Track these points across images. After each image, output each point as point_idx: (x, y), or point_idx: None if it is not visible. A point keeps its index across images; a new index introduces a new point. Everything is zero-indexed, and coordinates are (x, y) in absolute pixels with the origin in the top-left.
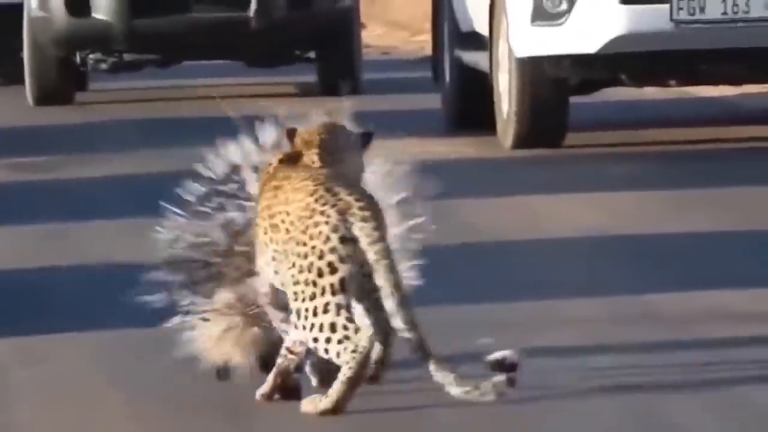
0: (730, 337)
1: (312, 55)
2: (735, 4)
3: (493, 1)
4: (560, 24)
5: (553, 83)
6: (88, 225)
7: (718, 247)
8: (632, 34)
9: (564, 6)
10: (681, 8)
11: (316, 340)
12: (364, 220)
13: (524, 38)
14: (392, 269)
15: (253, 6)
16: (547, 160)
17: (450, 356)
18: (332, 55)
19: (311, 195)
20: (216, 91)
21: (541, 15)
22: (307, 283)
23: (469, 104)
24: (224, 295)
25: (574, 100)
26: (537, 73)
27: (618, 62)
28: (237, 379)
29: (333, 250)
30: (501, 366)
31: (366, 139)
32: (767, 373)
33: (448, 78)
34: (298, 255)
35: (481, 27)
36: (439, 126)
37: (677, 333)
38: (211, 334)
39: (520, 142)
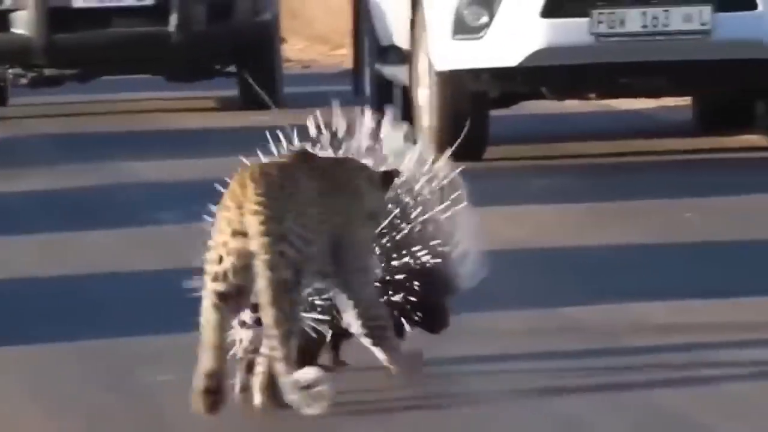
0: (646, 346)
1: (233, 69)
2: (654, 18)
3: (413, 15)
4: (480, 37)
5: (473, 97)
6: (8, 239)
7: (636, 258)
8: (552, 48)
9: (484, 19)
10: (601, 22)
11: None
12: (253, 213)
13: (444, 52)
14: (270, 265)
15: (173, 20)
16: (468, 174)
17: (360, 364)
18: (253, 69)
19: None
20: (136, 105)
21: (462, 28)
22: (206, 273)
23: None
24: None
25: (494, 113)
26: (457, 86)
27: (538, 75)
28: (168, 396)
29: (225, 243)
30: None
31: (388, 177)
32: (678, 378)
33: (368, 92)
34: (208, 248)
35: (401, 41)
36: None
37: (596, 343)
38: None
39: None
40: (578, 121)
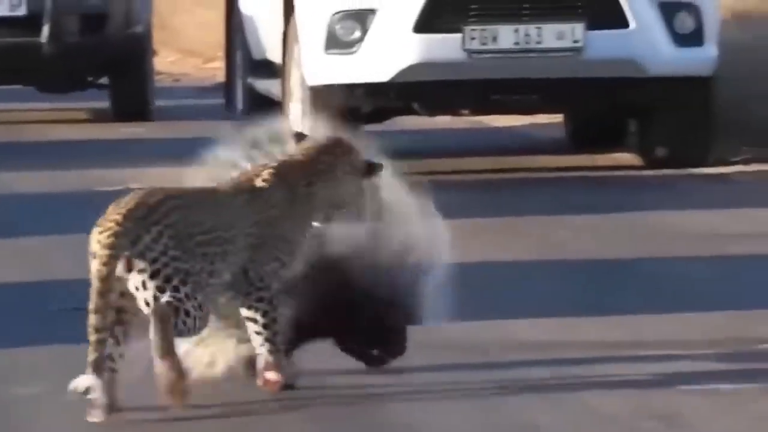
0: (517, 361)
1: (105, 81)
2: (527, 35)
3: (285, 29)
4: (353, 52)
5: (345, 111)
6: None
7: (508, 275)
8: (425, 63)
9: (357, 34)
10: (473, 38)
11: None
12: (99, 233)
13: (317, 66)
14: (96, 289)
15: (46, 31)
16: None
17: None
18: (125, 81)
19: None
20: (7, 116)
21: (334, 43)
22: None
23: None
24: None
25: (366, 128)
26: (329, 101)
27: (411, 91)
28: (30, 410)
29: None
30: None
31: (371, 168)
32: (547, 395)
33: (240, 106)
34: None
35: (274, 55)
36: None
37: (468, 358)
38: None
39: None
40: (451, 137)
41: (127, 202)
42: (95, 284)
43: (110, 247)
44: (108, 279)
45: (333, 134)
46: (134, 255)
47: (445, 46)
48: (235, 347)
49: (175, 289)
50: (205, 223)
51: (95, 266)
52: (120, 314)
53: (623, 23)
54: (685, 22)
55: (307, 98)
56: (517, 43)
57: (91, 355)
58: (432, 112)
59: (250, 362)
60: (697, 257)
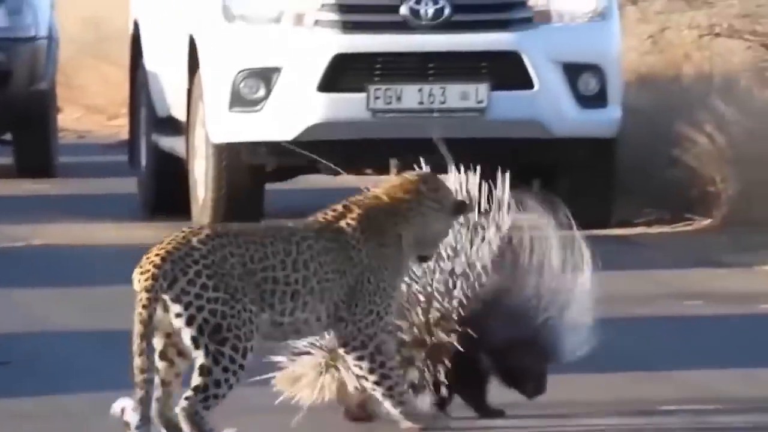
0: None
1: (8, 137)
2: (431, 95)
3: (190, 87)
4: (257, 111)
5: (249, 169)
6: None
7: None
8: (329, 122)
9: (261, 93)
10: (378, 97)
11: None
12: (139, 273)
13: (221, 124)
14: (138, 333)
15: None
16: None
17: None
18: (29, 137)
19: None
20: None
21: (239, 101)
22: None
23: (166, 189)
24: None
25: (270, 186)
26: (233, 159)
27: (315, 150)
28: None
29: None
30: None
31: (460, 207)
32: None
33: (144, 163)
34: None
35: (178, 112)
36: (135, 211)
37: None
38: (294, 371)
39: None
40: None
41: (169, 241)
42: (137, 327)
43: (148, 289)
44: (148, 322)
45: (418, 172)
46: (171, 299)
47: (350, 105)
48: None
49: (221, 342)
50: (261, 260)
51: (137, 308)
52: (172, 337)
53: (528, 84)
54: (588, 83)
55: (211, 156)
56: (421, 103)
57: (138, 394)
58: (335, 171)
59: (343, 393)
60: (600, 318)
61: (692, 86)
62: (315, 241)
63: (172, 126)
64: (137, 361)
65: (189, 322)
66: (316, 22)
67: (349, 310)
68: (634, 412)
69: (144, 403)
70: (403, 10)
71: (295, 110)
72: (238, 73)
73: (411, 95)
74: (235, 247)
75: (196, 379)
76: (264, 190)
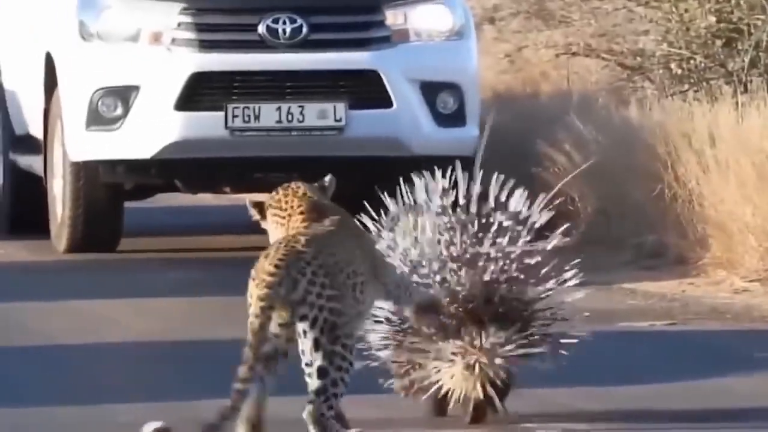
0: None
1: None
2: (290, 113)
3: (48, 105)
4: (115, 129)
5: (107, 188)
6: None
7: None
8: (187, 141)
9: (119, 111)
10: (236, 116)
11: None
12: (255, 285)
13: (79, 143)
14: (250, 343)
15: None
16: (101, 265)
17: None
18: None
19: None
20: None
21: (97, 120)
22: None
23: (24, 207)
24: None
25: (128, 204)
26: (91, 177)
27: (173, 168)
28: None
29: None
30: None
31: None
32: None
33: (2, 181)
34: None
35: (36, 130)
36: None
37: None
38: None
39: (74, 246)
40: (213, 214)
41: (273, 252)
42: (249, 337)
43: (263, 298)
44: (261, 331)
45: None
46: (296, 301)
47: (208, 123)
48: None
49: (334, 341)
50: (347, 256)
51: (250, 318)
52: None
53: (386, 103)
54: (447, 102)
55: (69, 174)
56: (279, 122)
57: (233, 402)
58: (193, 189)
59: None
60: None
61: (550, 104)
62: (352, 239)
63: (30, 144)
64: (243, 371)
65: (313, 323)
66: (173, 41)
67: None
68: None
69: (231, 415)
70: (261, 28)
71: (153, 129)
72: (96, 91)
73: (269, 114)
74: (331, 246)
75: (315, 383)
76: (123, 208)
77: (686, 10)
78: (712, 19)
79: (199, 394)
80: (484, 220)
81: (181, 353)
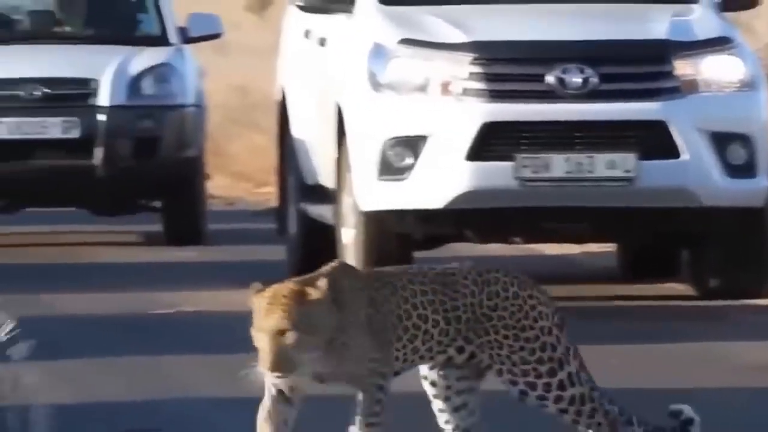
0: None
1: (158, 204)
2: (579, 164)
3: (338, 155)
4: (405, 179)
5: (397, 238)
6: None
7: None
8: (477, 191)
9: (409, 161)
10: (525, 166)
11: None
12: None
13: (369, 192)
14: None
15: (98, 154)
16: None
17: None
18: (177, 204)
19: None
20: (59, 238)
21: (387, 169)
22: None
23: (314, 256)
24: None
25: (418, 254)
26: (381, 227)
27: (462, 218)
28: None
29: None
30: None
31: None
32: None
33: (293, 230)
34: None
35: (327, 180)
36: (284, 278)
37: None
38: None
39: None
40: (503, 264)
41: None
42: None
43: None
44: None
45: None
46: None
47: (497, 173)
48: None
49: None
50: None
51: None
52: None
53: (675, 154)
54: (737, 153)
55: (359, 224)
56: (569, 172)
57: None
58: (483, 239)
59: None
60: (750, 388)
61: None
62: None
63: (320, 193)
64: None
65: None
66: (464, 91)
67: None
68: None
69: None
70: (550, 78)
71: (443, 179)
72: (386, 141)
73: (559, 164)
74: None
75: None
76: (412, 258)
77: None
78: None
79: None
80: None
81: None
